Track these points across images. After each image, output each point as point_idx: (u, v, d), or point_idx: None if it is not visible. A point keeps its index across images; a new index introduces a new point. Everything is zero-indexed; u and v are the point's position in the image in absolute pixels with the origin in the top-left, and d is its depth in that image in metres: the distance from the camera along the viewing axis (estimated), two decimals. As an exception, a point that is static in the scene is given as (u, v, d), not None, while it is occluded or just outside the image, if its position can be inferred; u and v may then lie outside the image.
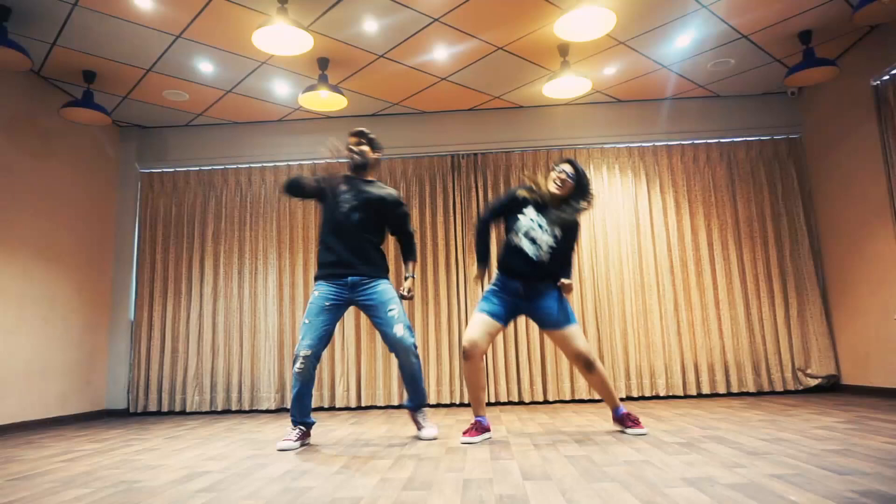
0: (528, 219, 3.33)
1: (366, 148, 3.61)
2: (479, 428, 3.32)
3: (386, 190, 3.60)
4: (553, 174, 3.36)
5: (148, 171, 6.27)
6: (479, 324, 3.31)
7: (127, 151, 6.27)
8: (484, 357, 3.38)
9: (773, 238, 5.76)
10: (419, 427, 3.51)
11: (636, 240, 5.84)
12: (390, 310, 3.39)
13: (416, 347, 3.44)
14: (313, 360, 3.31)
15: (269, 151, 6.22)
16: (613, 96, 5.98)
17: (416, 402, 3.54)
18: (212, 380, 5.85)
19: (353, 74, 5.30)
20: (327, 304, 3.37)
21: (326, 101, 5.15)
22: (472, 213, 5.95)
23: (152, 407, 5.81)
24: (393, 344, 3.40)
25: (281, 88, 5.52)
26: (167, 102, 5.72)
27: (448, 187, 6.05)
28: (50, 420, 5.03)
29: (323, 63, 5.00)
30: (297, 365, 3.30)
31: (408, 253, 3.68)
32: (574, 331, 3.33)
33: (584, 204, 3.34)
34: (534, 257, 3.30)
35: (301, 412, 3.38)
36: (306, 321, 3.36)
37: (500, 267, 3.41)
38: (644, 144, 6.04)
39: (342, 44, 4.78)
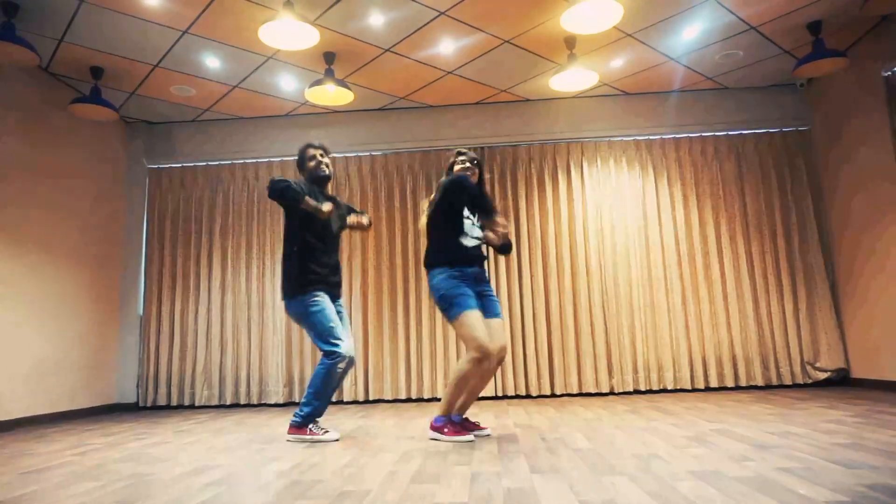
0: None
1: (329, 162, 3.68)
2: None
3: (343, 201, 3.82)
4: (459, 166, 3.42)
5: (156, 167, 6.30)
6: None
7: (135, 147, 6.29)
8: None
9: (782, 231, 5.72)
10: (323, 431, 3.40)
11: (643, 233, 5.82)
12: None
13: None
14: None
15: (277, 146, 6.23)
16: (621, 89, 5.95)
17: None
18: (220, 374, 5.89)
19: (360, 69, 5.29)
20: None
21: (333, 95, 5.15)
22: (478, 208, 5.94)
23: (161, 401, 5.85)
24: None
25: (288, 83, 5.52)
26: (174, 98, 5.74)
27: (455, 181, 6.03)
28: (60, 414, 5.07)
29: (329, 57, 4.99)
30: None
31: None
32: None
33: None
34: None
35: None
36: (332, 324, 3.38)
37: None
38: (651, 137, 6.00)
39: (348, 38, 4.77)
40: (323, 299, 3.40)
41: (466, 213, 3.33)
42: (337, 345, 3.32)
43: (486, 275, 3.50)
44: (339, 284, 3.61)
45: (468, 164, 3.42)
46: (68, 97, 5.26)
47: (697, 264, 5.73)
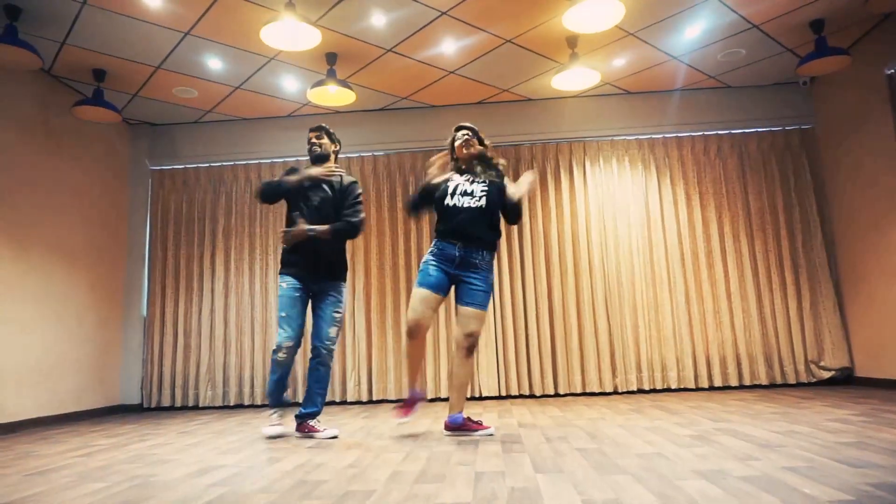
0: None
1: (325, 141, 3.73)
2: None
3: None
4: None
5: (158, 169, 6.31)
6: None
7: (137, 149, 6.30)
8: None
9: (786, 230, 5.71)
10: (317, 431, 3.47)
11: (647, 232, 5.81)
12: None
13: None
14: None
15: (279, 147, 6.24)
16: (623, 88, 5.94)
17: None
18: (224, 374, 5.89)
19: (362, 69, 5.29)
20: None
21: (335, 95, 5.16)
22: (481, 207, 5.94)
23: (165, 402, 5.86)
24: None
25: (290, 84, 5.52)
26: (177, 99, 5.75)
27: (457, 181, 6.03)
28: (64, 416, 5.08)
29: (331, 58, 5.00)
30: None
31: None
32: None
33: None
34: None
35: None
36: (282, 313, 3.53)
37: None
38: (654, 136, 5.99)
39: (350, 38, 4.77)
40: (288, 285, 3.48)
41: (458, 180, 3.48)
42: (278, 333, 3.44)
43: (479, 261, 3.33)
44: (326, 269, 3.55)
45: (468, 136, 3.53)
46: (71, 99, 5.27)
47: (701, 263, 5.72)
